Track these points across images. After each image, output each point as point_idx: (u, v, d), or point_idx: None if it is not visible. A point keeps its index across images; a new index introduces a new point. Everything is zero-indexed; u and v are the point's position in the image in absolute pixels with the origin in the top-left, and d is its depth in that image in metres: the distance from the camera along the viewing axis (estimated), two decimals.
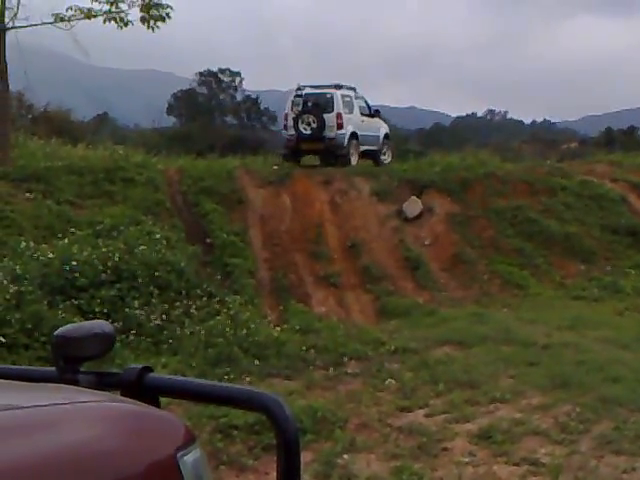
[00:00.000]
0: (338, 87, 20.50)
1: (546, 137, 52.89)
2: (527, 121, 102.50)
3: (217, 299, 11.68)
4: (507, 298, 14.90)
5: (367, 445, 6.98)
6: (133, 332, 10.13)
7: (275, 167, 18.33)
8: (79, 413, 1.57)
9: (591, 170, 20.71)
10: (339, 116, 19.64)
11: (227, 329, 10.24)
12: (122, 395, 2.07)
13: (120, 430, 1.56)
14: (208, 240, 14.62)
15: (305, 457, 6.55)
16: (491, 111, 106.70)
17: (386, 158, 21.48)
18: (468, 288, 15.39)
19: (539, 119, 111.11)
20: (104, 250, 11.32)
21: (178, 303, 11.10)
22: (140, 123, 52.81)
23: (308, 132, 19.52)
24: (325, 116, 19.55)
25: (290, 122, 19.89)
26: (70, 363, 2.23)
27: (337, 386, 9.09)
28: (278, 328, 11.28)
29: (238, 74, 58.43)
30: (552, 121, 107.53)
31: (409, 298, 14.56)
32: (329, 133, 19.49)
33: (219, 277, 13.28)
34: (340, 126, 19.57)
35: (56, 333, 2.26)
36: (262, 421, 6.85)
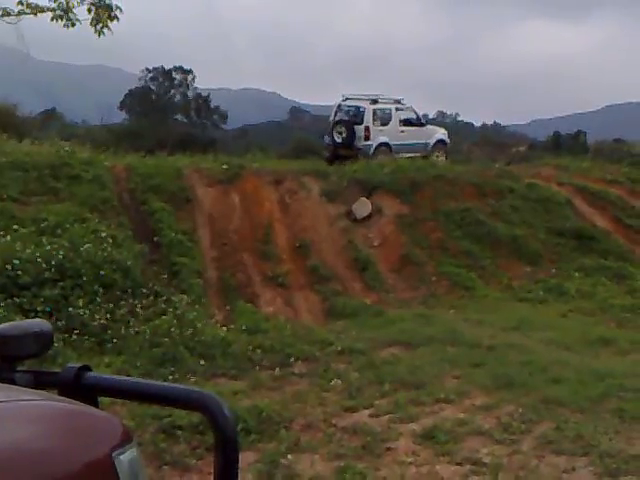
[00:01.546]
0: (373, 102, 22.97)
1: (496, 140, 53.44)
2: (477, 124, 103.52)
3: (163, 298, 11.56)
4: (454, 299, 15.02)
5: (311, 445, 6.97)
6: (76, 331, 9.96)
7: (224, 166, 18.22)
8: (14, 412, 1.56)
9: (538, 173, 21.01)
10: (367, 129, 22.17)
11: (173, 329, 10.17)
12: (60, 394, 2.03)
13: (55, 429, 1.55)
14: (155, 239, 14.45)
15: (249, 457, 6.53)
16: (442, 113, 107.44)
17: (440, 160, 22.83)
18: (416, 289, 15.47)
19: (489, 122, 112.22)
20: (48, 248, 11.13)
21: (123, 302, 10.95)
22: (88, 119, 52.25)
23: (340, 141, 22.17)
24: (356, 127, 22.14)
25: (329, 131, 22.64)
26: (7, 362, 2.18)
27: (283, 386, 9.07)
28: (225, 328, 11.22)
29: (190, 72, 58.12)
30: (502, 124, 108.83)
31: (357, 299, 14.59)
32: (358, 143, 22.03)
33: (166, 276, 13.14)
34: (367, 138, 22.09)
35: None
36: (206, 421, 6.79)
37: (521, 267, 16.84)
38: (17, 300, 10.09)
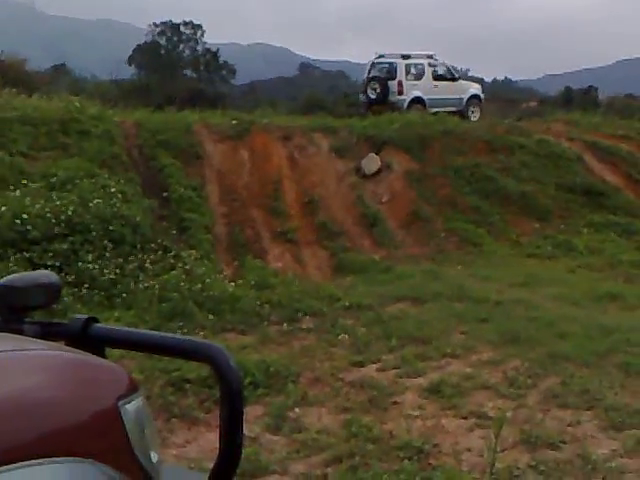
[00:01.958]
0: (405, 57, 23.43)
1: (506, 96, 52.92)
2: (488, 79, 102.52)
3: (172, 254, 11.60)
4: (462, 255, 15.03)
5: (319, 399, 7.04)
6: (86, 286, 10.03)
7: (233, 122, 18.14)
8: (20, 361, 1.58)
9: (548, 129, 20.85)
10: (400, 83, 22.67)
11: (182, 284, 10.21)
12: (67, 345, 2.06)
13: (61, 378, 1.57)
14: (165, 194, 14.47)
15: (256, 410, 6.61)
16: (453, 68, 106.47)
17: (475, 116, 23.50)
18: (424, 245, 15.49)
19: (500, 77, 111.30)
20: (57, 203, 11.15)
21: (132, 257, 10.99)
22: (97, 74, 51.84)
23: (374, 97, 22.72)
24: (389, 83, 22.71)
25: (364, 87, 23.42)
26: (15, 312, 2.20)
27: (291, 341, 9.13)
28: (233, 283, 11.27)
29: (199, 27, 57.63)
30: (513, 79, 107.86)
31: (365, 255, 14.61)
32: (392, 98, 22.53)
33: (175, 232, 13.18)
34: (400, 92, 22.60)
35: (0, 282, 2.24)
36: (213, 376, 6.87)
37: (530, 223, 16.82)
38: (27, 254, 10.15)
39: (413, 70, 23.40)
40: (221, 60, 55.64)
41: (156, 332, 2.37)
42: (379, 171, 17.20)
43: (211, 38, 62.65)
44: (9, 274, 2.32)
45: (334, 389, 7.33)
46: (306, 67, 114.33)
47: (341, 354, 8.53)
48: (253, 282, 11.66)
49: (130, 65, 53.83)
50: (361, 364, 8.15)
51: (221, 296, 10.31)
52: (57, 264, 10.12)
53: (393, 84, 22.69)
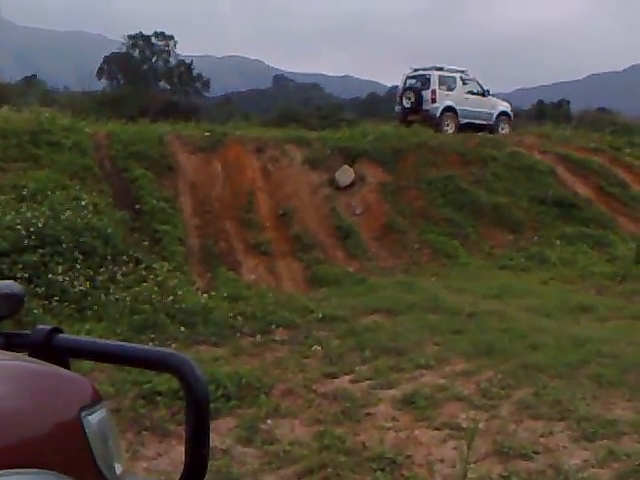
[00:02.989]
0: (438, 69, 24.93)
1: None
2: None
3: (144, 265, 11.52)
4: (436, 267, 15.06)
5: (291, 411, 6.99)
6: (56, 298, 9.91)
7: (207, 134, 18.10)
8: None
9: (521, 142, 21.02)
10: (433, 92, 23.91)
11: (154, 296, 10.15)
12: (30, 356, 2.01)
13: (22, 389, 1.54)
14: (137, 206, 14.37)
15: (229, 422, 6.56)
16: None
17: (505, 132, 24.38)
18: (398, 257, 15.50)
19: None
20: (28, 215, 11.03)
21: (103, 269, 10.90)
22: (70, 86, 51.56)
23: (408, 106, 24.03)
24: (423, 92, 23.99)
25: (398, 98, 24.78)
26: None
27: (264, 353, 9.08)
28: (206, 295, 11.20)
29: (171, 37, 57.59)
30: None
31: (339, 267, 14.60)
32: (425, 106, 23.67)
33: (147, 244, 13.07)
34: (434, 100, 23.73)
35: None
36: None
37: (503, 235, 16.90)
38: None
39: (446, 81, 24.68)
40: (195, 72, 55.61)
41: (122, 342, 2.33)
42: (353, 183, 17.23)
43: (185, 50, 62.80)
44: None
45: (307, 401, 7.28)
46: (280, 79, 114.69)
47: (314, 366, 8.49)
48: (226, 294, 11.59)
49: (100, 77, 53.58)
50: (334, 376, 8.11)
51: (193, 308, 10.24)
52: (26, 276, 10.00)
53: (427, 93, 23.92)
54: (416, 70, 25.50)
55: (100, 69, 54.15)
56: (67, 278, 10.30)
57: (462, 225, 16.85)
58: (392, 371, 8.17)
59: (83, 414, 1.61)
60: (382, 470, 5.55)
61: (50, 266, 10.42)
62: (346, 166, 17.44)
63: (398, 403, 7.17)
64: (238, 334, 9.75)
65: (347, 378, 8.03)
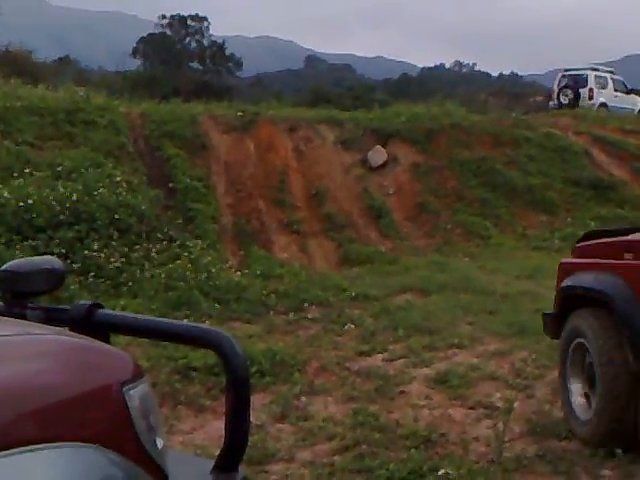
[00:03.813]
0: (594, 69, 28.03)
1: (513, 90, 52.83)
2: (494, 74, 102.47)
3: (178, 243, 11.60)
4: (469, 248, 15.00)
5: (325, 388, 7.01)
6: (92, 274, 10.04)
7: (239, 114, 18.11)
8: (23, 346, 1.55)
9: (555, 123, 20.79)
10: (590, 90, 26.91)
11: (187, 273, 10.22)
12: (71, 331, 2.03)
13: (64, 364, 1.55)
14: (170, 185, 14.46)
15: (263, 399, 6.60)
16: (459, 63, 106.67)
17: None
18: (431, 237, 15.46)
19: (506, 72, 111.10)
20: (62, 191, 11.15)
21: (138, 246, 10.99)
22: (104, 66, 51.88)
23: (566, 102, 26.38)
24: (581, 90, 26.74)
25: (555, 95, 27.37)
26: (18, 298, 2.18)
27: (297, 331, 9.12)
28: (239, 273, 11.26)
29: (205, 19, 57.61)
30: (519, 74, 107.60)
31: (372, 246, 14.60)
32: (582, 103, 26.07)
33: (180, 222, 13.17)
34: (590, 97, 26.69)
35: (3, 268, 2.21)
36: (220, 362, 6.85)
37: (537, 216, 16.78)
38: (32, 242, 10.14)
39: (600, 80, 27.65)
40: (227, 52, 55.55)
41: (162, 319, 2.35)
42: (385, 163, 17.17)
43: (217, 31, 62.67)
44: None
45: (340, 378, 7.30)
46: (312, 60, 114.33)
47: (347, 344, 8.51)
48: (259, 272, 11.66)
49: (134, 56, 53.79)
50: (367, 354, 8.12)
51: (227, 285, 10.31)
52: (63, 252, 10.10)
53: (584, 91, 26.73)
54: (568, 70, 28.14)
55: (135, 49, 54.32)
56: (103, 254, 10.41)
57: (495, 206, 16.74)
58: (425, 350, 8.15)
59: (125, 389, 1.62)
60: (416, 448, 5.54)
61: (86, 242, 10.53)
62: (378, 146, 17.38)
63: (432, 382, 7.16)
64: (271, 312, 9.80)
65: (380, 356, 8.04)
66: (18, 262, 2.27)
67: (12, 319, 1.94)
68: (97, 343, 1.76)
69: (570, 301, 5.85)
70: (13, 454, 1.30)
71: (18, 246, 9.90)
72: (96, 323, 2.11)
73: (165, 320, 2.29)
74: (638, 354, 4.99)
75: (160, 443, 1.75)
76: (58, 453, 1.38)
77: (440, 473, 4.68)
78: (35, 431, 1.36)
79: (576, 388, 5.81)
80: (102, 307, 2.18)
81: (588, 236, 6.33)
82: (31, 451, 1.33)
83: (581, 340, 5.61)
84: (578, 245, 6.36)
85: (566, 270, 6.07)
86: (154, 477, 1.66)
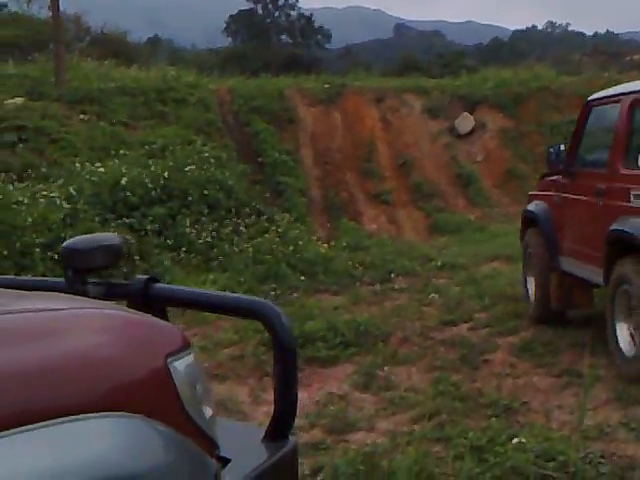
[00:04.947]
0: None
1: (609, 49, 51.08)
2: (589, 33, 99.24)
3: (266, 217, 11.80)
4: None
5: (409, 358, 7.06)
6: (184, 249, 10.33)
7: (326, 86, 18.18)
8: (67, 320, 1.61)
9: None
10: None
11: (275, 246, 10.39)
12: (129, 306, 2.15)
13: (112, 336, 1.61)
14: (259, 159, 14.69)
15: (347, 369, 6.71)
16: (552, 23, 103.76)
17: None
18: (520, 204, 15.17)
19: (602, 31, 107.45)
20: (154, 169, 11.47)
21: (227, 221, 11.24)
22: (197, 43, 52.56)
23: None
24: None
25: None
26: (78, 274, 2.30)
27: (383, 301, 9.18)
28: (327, 245, 11.38)
29: None
30: (615, 32, 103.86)
31: (460, 215, 14.53)
32: None
33: (269, 196, 13.38)
34: None
35: (64, 245, 2.34)
36: (305, 336, 7.02)
37: None
38: (127, 220, 10.48)
39: None
40: (316, 25, 55.47)
41: (213, 291, 2.46)
42: (473, 130, 16.99)
43: (305, 3, 62.59)
44: None
45: (424, 348, 7.33)
46: (401, 29, 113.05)
47: (433, 313, 8.53)
48: (346, 244, 11.75)
49: (227, 34, 54.27)
50: (453, 323, 8.12)
51: (314, 258, 10.45)
52: (157, 228, 10.43)
53: None
54: None
55: (227, 26, 54.80)
56: (194, 230, 10.70)
57: None
58: (511, 318, 8.11)
59: (170, 360, 1.66)
60: (497, 416, 5.54)
61: (178, 219, 10.83)
62: (466, 113, 17.20)
63: (516, 350, 7.11)
64: (358, 283, 9.89)
65: (465, 326, 8.03)
66: (77, 239, 2.36)
67: (64, 294, 2.01)
68: (145, 316, 1.81)
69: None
70: (62, 422, 1.39)
71: (113, 224, 10.24)
72: (152, 297, 2.21)
73: (216, 293, 2.39)
74: None
75: (208, 412, 1.79)
76: (106, 422, 1.47)
77: (515, 441, 4.68)
78: (87, 401, 1.45)
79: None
80: (158, 281, 2.28)
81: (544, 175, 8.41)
82: (81, 420, 1.42)
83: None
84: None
85: (530, 198, 8.47)
86: (203, 445, 1.71)
